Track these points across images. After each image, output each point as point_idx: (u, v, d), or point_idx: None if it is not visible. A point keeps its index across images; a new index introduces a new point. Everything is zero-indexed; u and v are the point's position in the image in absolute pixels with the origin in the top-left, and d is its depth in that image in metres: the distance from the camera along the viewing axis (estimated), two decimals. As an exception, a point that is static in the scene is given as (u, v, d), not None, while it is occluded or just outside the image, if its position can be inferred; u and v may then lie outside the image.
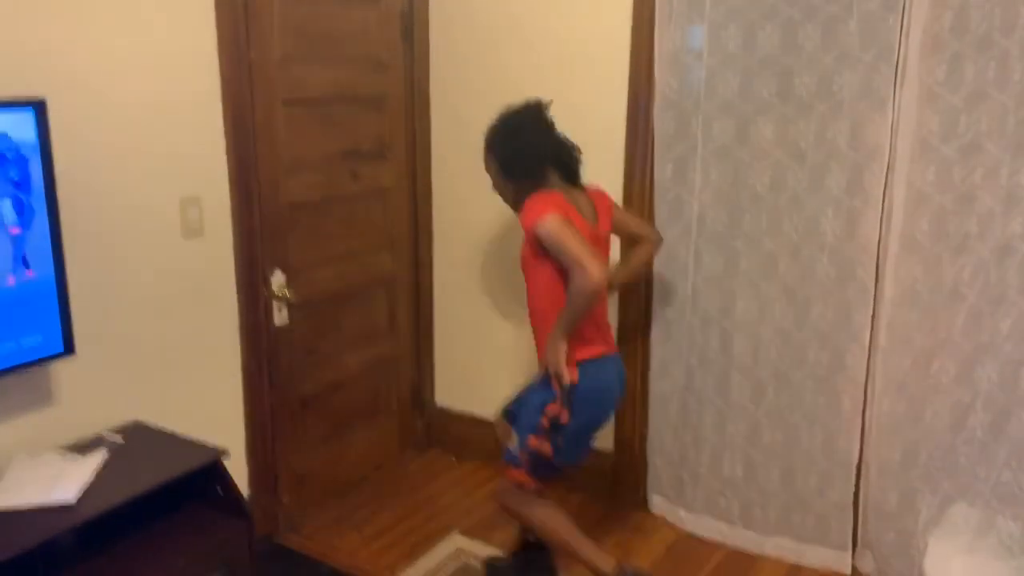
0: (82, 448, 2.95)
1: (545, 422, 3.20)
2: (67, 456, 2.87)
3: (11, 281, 2.67)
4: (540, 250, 3.14)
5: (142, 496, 2.71)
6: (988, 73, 3.04)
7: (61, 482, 2.68)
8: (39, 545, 2.45)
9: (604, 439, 4.20)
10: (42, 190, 2.69)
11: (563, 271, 3.10)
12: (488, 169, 3.35)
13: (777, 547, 3.86)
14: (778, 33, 3.40)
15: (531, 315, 3.34)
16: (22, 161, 2.63)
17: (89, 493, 2.67)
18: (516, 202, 3.29)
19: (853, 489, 3.68)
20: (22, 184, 2.64)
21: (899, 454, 3.48)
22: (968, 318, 3.25)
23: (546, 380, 3.22)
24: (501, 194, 3.39)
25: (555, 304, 3.17)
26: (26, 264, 2.70)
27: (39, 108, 2.65)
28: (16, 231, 2.66)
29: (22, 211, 2.66)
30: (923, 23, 3.11)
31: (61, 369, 3.00)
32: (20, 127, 2.62)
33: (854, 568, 3.75)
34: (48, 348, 2.80)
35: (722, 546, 3.95)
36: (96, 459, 2.85)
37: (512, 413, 3.53)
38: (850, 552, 3.76)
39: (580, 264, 3.00)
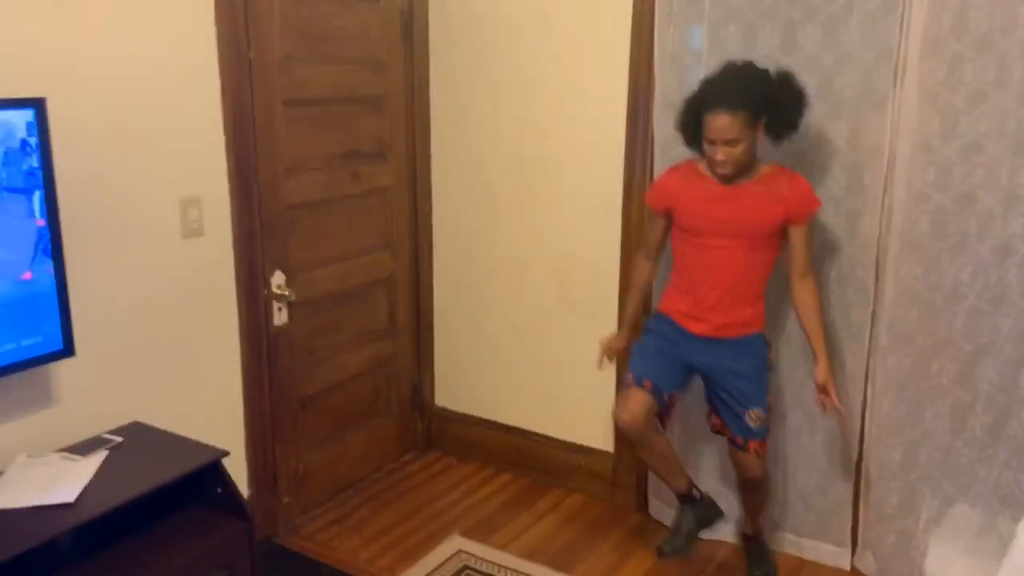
0: (82, 448, 2.95)
1: (770, 373, 3.51)
2: (67, 456, 2.87)
3: (28, 276, 2.69)
4: (782, 231, 3.29)
5: (142, 497, 2.71)
6: (988, 73, 3.04)
7: (61, 482, 2.68)
8: (39, 545, 2.44)
9: (604, 440, 4.21)
10: (41, 189, 2.68)
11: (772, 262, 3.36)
12: (742, 130, 3.10)
13: (777, 544, 3.87)
14: (778, 33, 3.39)
15: (735, 278, 3.35)
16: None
17: (89, 493, 2.66)
18: (748, 165, 3.25)
19: (853, 487, 3.68)
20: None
21: (899, 455, 3.48)
22: (968, 318, 3.25)
23: (760, 357, 3.44)
24: (734, 161, 3.16)
25: (763, 283, 3.40)
26: (46, 253, 2.73)
27: (39, 107, 2.64)
28: (42, 223, 2.69)
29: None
30: (923, 23, 3.11)
31: (61, 369, 2.99)
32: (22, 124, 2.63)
33: (854, 568, 3.76)
34: (47, 348, 2.79)
35: (723, 544, 3.95)
36: (96, 459, 2.85)
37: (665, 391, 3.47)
38: (850, 549, 3.77)
39: (812, 267, 3.35)
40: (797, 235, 3.28)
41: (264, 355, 3.81)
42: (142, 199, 3.22)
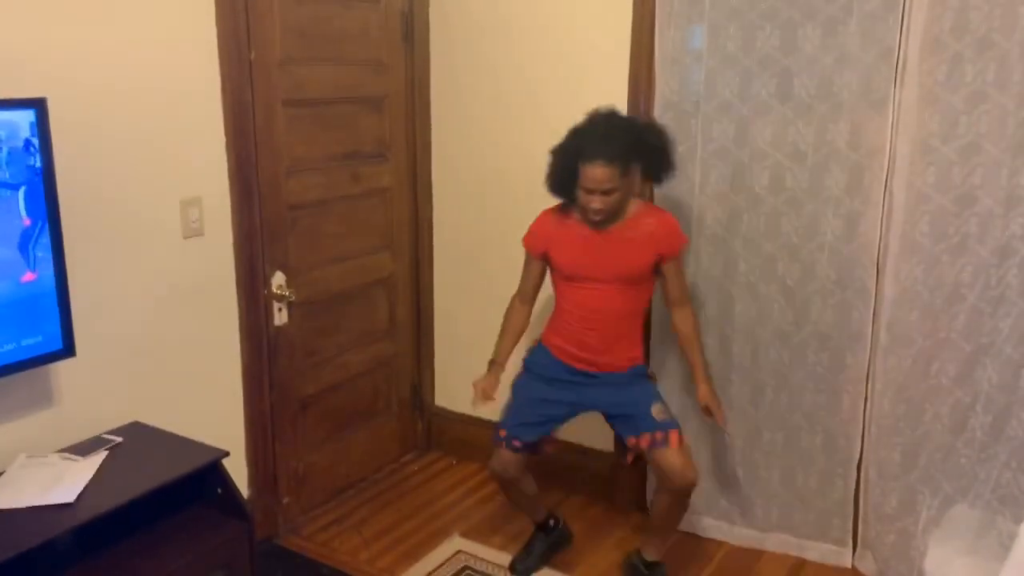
0: (82, 449, 2.95)
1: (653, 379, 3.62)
2: (67, 457, 2.87)
3: (29, 277, 2.70)
4: (654, 269, 3.42)
5: (142, 497, 2.71)
6: (988, 74, 3.04)
7: (61, 483, 2.68)
8: (39, 546, 2.44)
9: (604, 440, 4.20)
10: (42, 189, 2.68)
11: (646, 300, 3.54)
12: (619, 180, 3.20)
13: (778, 544, 3.87)
14: (778, 33, 3.39)
15: (613, 318, 3.46)
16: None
17: (89, 494, 2.66)
18: (617, 213, 3.36)
19: (854, 486, 3.68)
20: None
21: (899, 455, 3.48)
22: (968, 318, 3.25)
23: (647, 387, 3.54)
24: (609, 208, 3.27)
25: (641, 313, 3.55)
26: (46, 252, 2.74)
27: (40, 107, 2.64)
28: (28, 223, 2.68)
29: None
30: (923, 24, 3.11)
31: (61, 370, 3.00)
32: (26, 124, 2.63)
33: (854, 568, 3.76)
34: (48, 348, 2.79)
35: (723, 544, 3.95)
36: (96, 460, 2.86)
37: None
38: (850, 548, 3.77)
39: (688, 296, 3.51)
40: (670, 270, 3.46)
41: (264, 355, 3.81)
42: (142, 199, 3.22)
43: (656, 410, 3.42)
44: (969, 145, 3.12)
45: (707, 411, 3.50)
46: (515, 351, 3.68)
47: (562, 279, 3.51)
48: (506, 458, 3.54)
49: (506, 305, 3.70)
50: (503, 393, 3.61)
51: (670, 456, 3.35)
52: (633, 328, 3.52)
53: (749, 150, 3.56)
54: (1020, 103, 3.01)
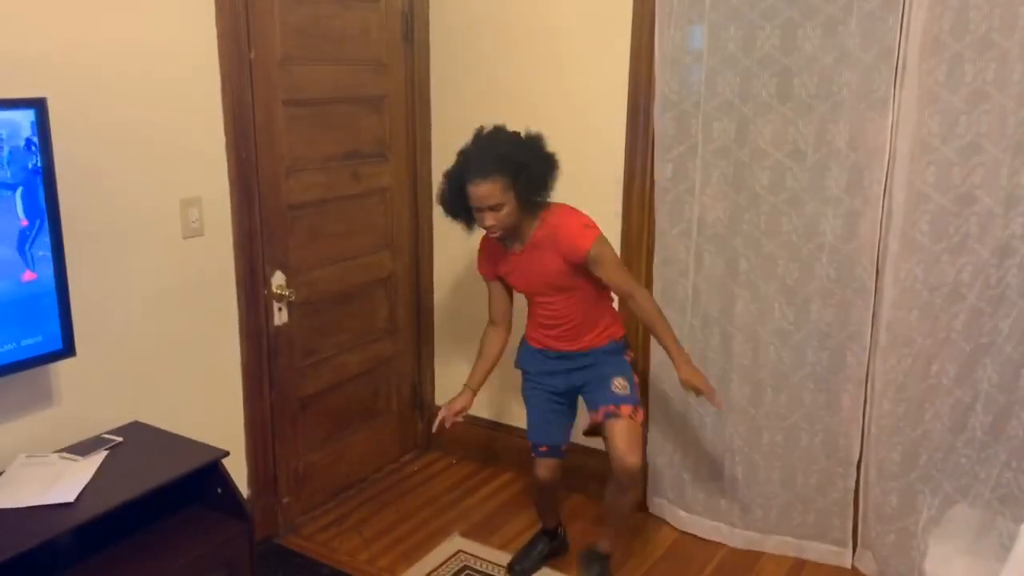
0: (82, 448, 2.94)
1: (630, 361, 3.54)
2: (67, 456, 2.87)
3: (29, 276, 2.70)
4: (579, 270, 3.32)
5: (141, 497, 2.71)
6: (988, 74, 3.04)
7: (61, 482, 2.68)
8: (39, 545, 2.44)
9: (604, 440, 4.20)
10: (42, 189, 2.68)
11: (597, 288, 3.41)
12: (503, 194, 3.17)
13: (777, 544, 3.87)
14: (778, 33, 3.39)
15: (575, 320, 3.44)
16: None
17: (88, 493, 2.66)
18: (518, 226, 3.32)
19: (853, 486, 3.68)
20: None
21: (899, 455, 3.48)
22: (968, 318, 3.25)
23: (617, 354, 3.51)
24: (503, 224, 3.24)
25: (602, 300, 3.48)
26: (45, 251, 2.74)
27: (40, 107, 2.64)
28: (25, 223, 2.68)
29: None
30: (923, 24, 3.11)
31: (61, 370, 3.00)
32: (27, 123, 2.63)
33: (854, 568, 3.76)
34: (48, 348, 2.79)
35: (723, 545, 3.95)
36: (96, 459, 2.86)
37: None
38: (850, 549, 3.77)
39: (635, 284, 3.45)
40: (597, 271, 3.33)
41: (264, 355, 3.81)
42: (142, 199, 3.22)
43: (617, 383, 3.42)
44: (969, 145, 3.12)
45: (692, 388, 3.36)
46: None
47: (523, 294, 3.56)
48: (543, 468, 3.59)
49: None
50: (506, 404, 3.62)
51: (616, 431, 3.37)
52: (600, 315, 3.48)
53: (750, 149, 3.56)
54: (1020, 103, 3.01)
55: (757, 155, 3.55)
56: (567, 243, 3.28)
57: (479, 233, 3.39)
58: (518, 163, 3.19)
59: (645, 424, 3.57)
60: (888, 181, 3.35)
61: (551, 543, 3.87)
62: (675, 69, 3.66)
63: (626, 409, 3.39)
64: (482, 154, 3.22)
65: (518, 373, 3.66)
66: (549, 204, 3.36)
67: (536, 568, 3.79)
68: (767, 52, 3.43)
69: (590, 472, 4.07)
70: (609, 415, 3.39)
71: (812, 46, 3.34)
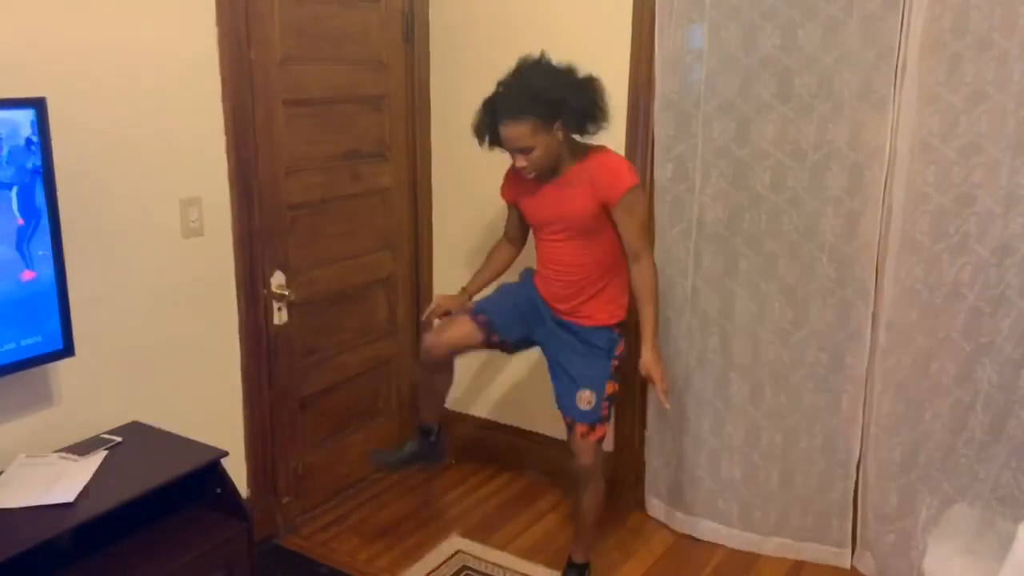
0: (81, 448, 2.95)
1: (616, 363, 3.41)
2: (66, 456, 2.87)
3: (28, 276, 2.70)
4: (605, 216, 3.23)
5: (141, 497, 2.71)
6: (988, 73, 3.04)
7: (60, 482, 2.69)
8: (38, 545, 2.44)
9: (604, 440, 4.20)
10: (41, 189, 2.68)
11: (613, 250, 3.32)
12: (533, 137, 3.07)
13: (776, 546, 3.86)
14: (778, 33, 3.39)
15: (575, 269, 3.35)
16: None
17: (88, 493, 2.67)
18: (555, 165, 3.22)
19: (853, 488, 3.69)
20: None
21: (899, 455, 3.48)
22: (968, 318, 3.25)
23: (603, 348, 3.39)
24: (536, 166, 3.16)
25: (615, 266, 3.36)
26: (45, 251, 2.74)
27: (39, 107, 2.64)
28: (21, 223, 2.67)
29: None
30: (923, 23, 3.11)
31: (61, 370, 3.00)
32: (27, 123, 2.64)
33: (853, 568, 3.76)
34: (47, 348, 2.80)
35: (722, 547, 3.95)
36: (95, 459, 2.86)
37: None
38: (850, 549, 3.77)
39: (649, 250, 3.31)
40: (618, 218, 3.24)
41: (264, 355, 3.81)
42: (142, 199, 3.22)
43: (583, 397, 3.34)
44: (969, 144, 3.13)
45: (648, 378, 3.33)
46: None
47: (534, 230, 3.48)
48: (458, 329, 3.49)
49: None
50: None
51: (570, 440, 3.41)
52: (593, 285, 3.36)
53: (750, 149, 3.56)
54: (1020, 102, 3.01)
55: (757, 155, 3.55)
56: (607, 178, 3.19)
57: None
58: (552, 101, 3.08)
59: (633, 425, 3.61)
60: (888, 181, 3.35)
61: (423, 444, 3.82)
62: (675, 69, 3.66)
63: (581, 428, 3.35)
64: (513, 93, 3.13)
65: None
66: (595, 147, 3.28)
67: (398, 467, 3.87)
68: (768, 52, 3.43)
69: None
70: (568, 427, 3.42)
71: (812, 46, 3.34)
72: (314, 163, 3.93)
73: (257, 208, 3.66)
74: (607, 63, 3.85)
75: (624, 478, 4.24)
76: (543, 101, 3.06)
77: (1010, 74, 3.00)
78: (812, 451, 3.71)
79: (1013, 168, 3.06)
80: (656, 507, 4.18)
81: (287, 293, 3.81)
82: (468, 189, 4.41)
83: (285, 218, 3.81)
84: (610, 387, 3.40)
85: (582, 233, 3.28)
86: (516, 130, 3.08)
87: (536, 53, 3.20)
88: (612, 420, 3.57)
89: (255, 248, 3.67)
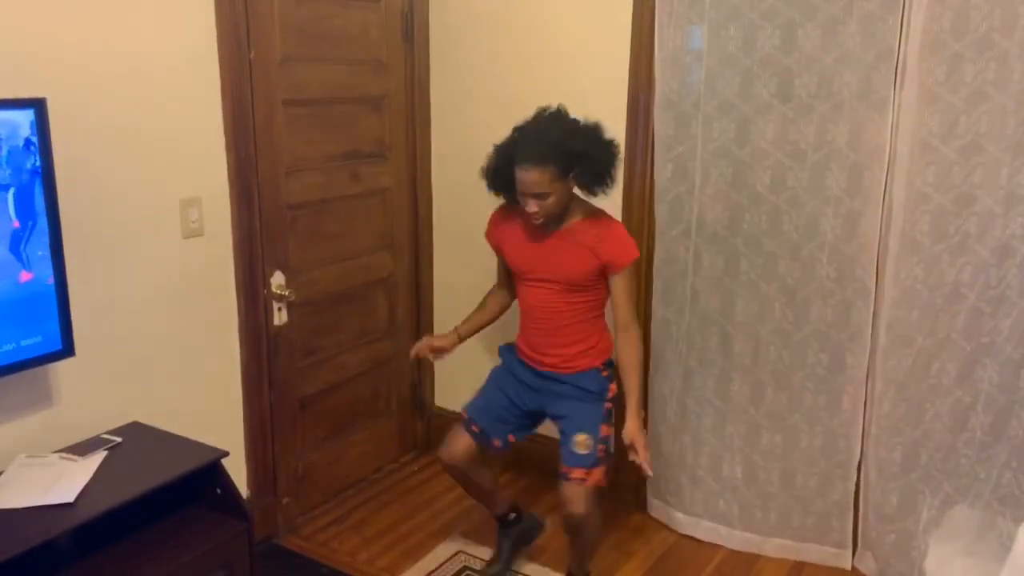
0: (81, 449, 2.95)
1: (609, 405, 3.40)
2: (66, 457, 2.87)
3: (27, 276, 2.70)
4: (599, 278, 3.31)
5: (141, 497, 2.71)
6: (988, 74, 3.04)
7: (60, 483, 2.69)
8: (38, 545, 2.44)
9: (604, 440, 4.21)
10: (40, 189, 2.68)
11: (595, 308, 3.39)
12: (551, 184, 3.10)
13: (777, 547, 3.86)
14: (778, 33, 3.39)
15: (558, 320, 3.37)
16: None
17: (88, 494, 2.67)
18: (559, 216, 3.26)
19: (854, 488, 3.68)
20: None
21: (899, 455, 3.48)
22: (968, 318, 3.25)
23: (593, 391, 3.38)
24: (547, 212, 3.18)
25: (596, 313, 3.40)
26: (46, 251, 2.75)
27: (39, 107, 2.64)
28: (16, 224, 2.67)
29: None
30: (923, 23, 3.11)
31: (61, 370, 3.00)
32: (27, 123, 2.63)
33: (854, 568, 3.76)
34: (47, 348, 2.80)
35: (722, 547, 3.95)
36: (95, 460, 2.86)
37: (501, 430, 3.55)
38: (851, 550, 3.77)
39: (637, 320, 3.37)
40: (614, 285, 3.30)
41: (264, 355, 3.81)
42: (142, 199, 3.22)
43: (578, 441, 3.30)
44: (969, 145, 3.12)
45: (631, 448, 3.23)
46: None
47: (514, 275, 3.49)
48: (459, 443, 3.51)
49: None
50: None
51: (563, 488, 3.32)
52: (575, 334, 3.38)
53: (750, 149, 3.56)
54: (1020, 103, 3.01)
55: (757, 155, 3.55)
56: (617, 247, 3.25)
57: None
58: (573, 154, 3.12)
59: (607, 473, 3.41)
60: (888, 181, 3.34)
61: (511, 531, 3.81)
62: (675, 69, 3.66)
63: (577, 473, 3.28)
64: (536, 139, 3.14)
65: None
66: (603, 212, 3.33)
67: (508, 569, 3.77)
68: (768, 52, 3.43)
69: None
70: (561, 475, 3.33)
71: (812, 46, 3.34)
72: (314, 163, 3.93)
73: (257, 208, 3.66)
74: (607, 63, 3.86)
75: (624, 478, 4.22)
76: (566, 151, 3.11)
77: (1010, 74, 3.00)
78: (812, 451, 3.71)
79: (1013, 168, 3.06)
80: (657, 507, 4.18)
81: (287, 293, 3.81)
82: (468, 189, 4.39)
83: (285, 218, 3.81)
84: (605, 430, 3.36)
85: (572, 287, 3.32)
86: (536, 175, 3.09)
87: (555, 105, 3.25)
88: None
89: (255, 248, 3.67)
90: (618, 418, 3.36)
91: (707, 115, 3.61)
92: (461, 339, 3.64)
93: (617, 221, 3.39)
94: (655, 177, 3.82)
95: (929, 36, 3.11)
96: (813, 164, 3.45)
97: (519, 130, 3.26)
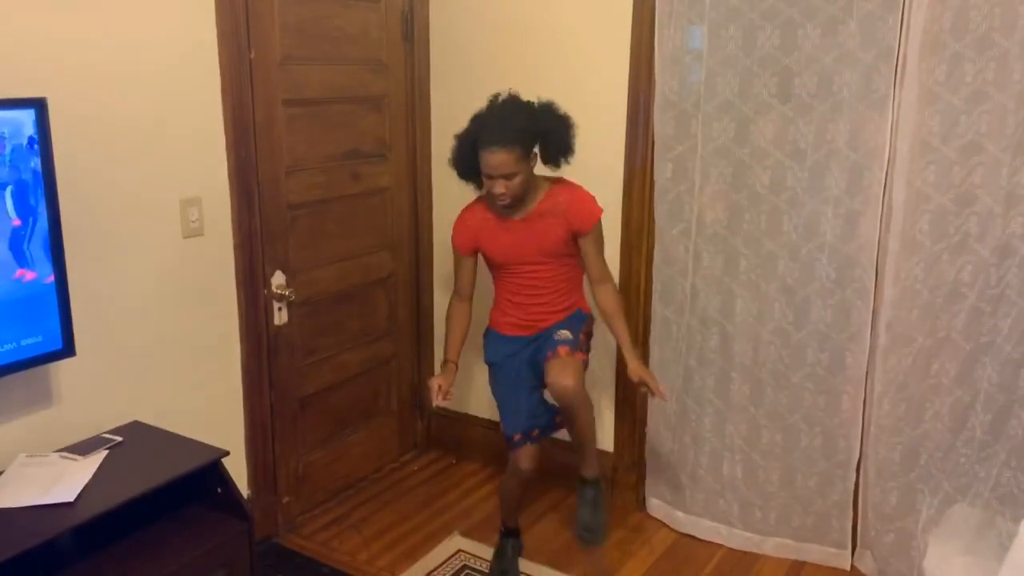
0: (82, 448, 2.95)
1: (584, 333, 3.57)
2: (67, 456, 2.87)
3: (28, 276, 2.70)
4: (574, 242, 3.47)
5: (141, 496, 2.71)
6: (988, 73, 3.03)
7: (61, 482, 2.69)
8: (39, 545, 2.44)
9: (603, 439, 4.20)
10: (42, 189, 2.68)
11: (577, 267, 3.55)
12: (517, 164, 3.25)
13: (776, 547, 3.86)
14: (778, 33, 3.39)
15: (553, 288, 3.53)
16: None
17: (89, 493, 2.66)
18: (524, 195, 3.39)
19: (853, 488, 3.68)
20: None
21: (899, 454, 3.48)
22: (968, 318, 3.25)
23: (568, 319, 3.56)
24: (514, 192, 3.32)
25: (576, 278, 3.59)
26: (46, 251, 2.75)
27: (40, 107, 2.64)
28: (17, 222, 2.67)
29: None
30: (923, 23, 3.11)
31: (61, 370, 3.00)
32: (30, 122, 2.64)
33: (854, 568, 3.76)
34: (47, 348, 2.80)
35: (722, 546, 3.95)
36: (96, 459, 2.86)
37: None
38: (849, 550, 3.76)
39: (610, 273, 3.54)
40: (584, 245, 3.48)
41: (264, 355, 3.81)
42: (142, 199, 3.22)
43: (559, 334, 3.47)
44: (969, 144, 3.12)
45: (641, 383, 3.45)
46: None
47: (496, 268, 3.60)
48: (524, 457, 3.51)
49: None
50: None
51: (549, 366, 3.39)
52: (568, 296, 3.58)
53: (750, 149, 3.56)
54: (1020, 102, 3.01)
55: (757, 155, 3.55)
56: (580, 209, 3.42)
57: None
58: (536, 132, 3.33)
59: (586, 363, 3.55)
60: (888, 181, 3.34)
61: (517, 542, 3.84)
62: (675, 69, 3.66)
63: (563, 349, 3.41)
64: (499, 123, 3.29)
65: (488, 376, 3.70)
66: (555, 178, 3.49)
67: (517, 570, 3.79)
68: (767, 52, 3.43)
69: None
70: (548, 358, 3.42)
71: (812, 46, 3.34)
72: (314, 163, 3.93)
73: (257, 208, 3.66)
74: (607, 63, 3.86)
75: (624, 478, 4.24)
76: (529, 131, 3.31)
77: (1010, 74, 3.00)
78: (812, 451, 3.71)
79: (1013, 168, 3.06)
80: (657, 507, 4.18)
81: (287, 293, 3.81)
82: (468, 189, 4.40)
83: (285, 218, 3.81)
84: (583, 340, 3.56)
85: (558, 256, 3.49)
86: (502, 156, 3.24)
87: (506, 91, 3.42)
88: (605, 416, 3.65)
89: (255, 248, 3.67)
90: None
91: (707, 115, 3.61)
92: (456, 366, 3.67)
93: (578, 185, 3.51)
94: (655, 177, 3.82)
95: (929, 36, 3.11)
96: (813, 164, 3.45)
97: (478, 118, 3.40)
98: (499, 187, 3.29)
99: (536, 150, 3.37)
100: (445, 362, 3.65)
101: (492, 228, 3.50)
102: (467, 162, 3.41)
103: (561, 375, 3.33)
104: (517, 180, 3.29)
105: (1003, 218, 3.11)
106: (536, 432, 3.51)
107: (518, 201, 3.39)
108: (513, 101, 3.38)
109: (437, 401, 3.52)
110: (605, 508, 3.71)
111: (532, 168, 3.36)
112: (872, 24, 3.21)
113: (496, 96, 3.40)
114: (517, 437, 3.50)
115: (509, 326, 3.60)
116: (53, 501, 2.59)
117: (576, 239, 3.45)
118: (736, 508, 3.91)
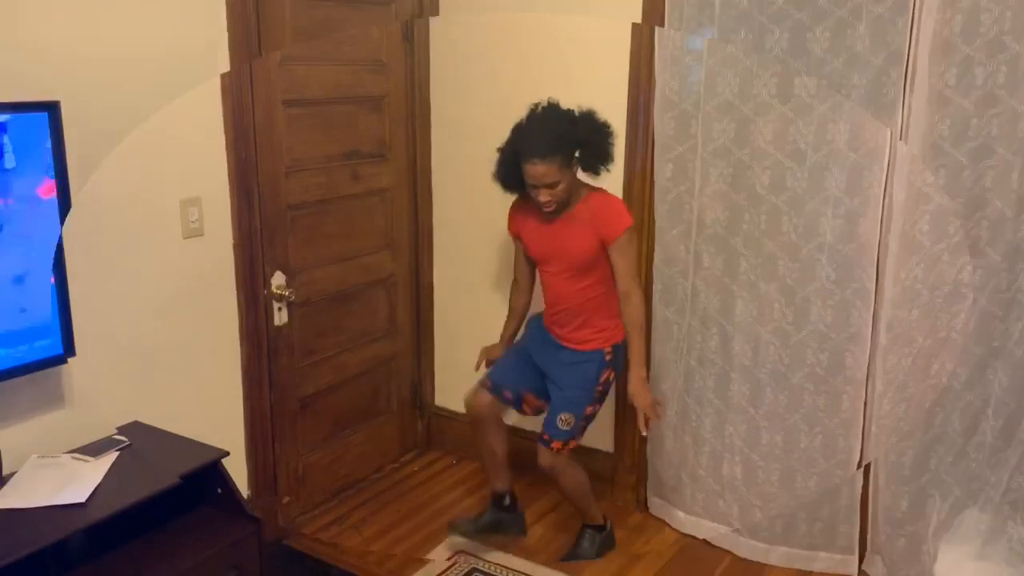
0: (92, 449, 2.94)
1: (600, 388, 3.60)
2: (78, 457, 2.88)
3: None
4: (602, 254, 3.49)
5: (151, 498, 2.72)
6: (999, 77, 3.02)
7: (72, 483, 2.69)
8: (51, 545, 2.46)
9: (604, 440, 4.21)
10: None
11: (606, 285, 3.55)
12: (559, 172, 3.32)
13: (782, 556, 3.86)
14: (787, 36, 3.38)
15: (573, 302, 3.57)
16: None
17: (100, 494, 2.67)
18: (568, 199, 3.46)
19: (860, 492, 3.68)
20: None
21: (910, 459, 3.47)
22: (978, 322, 3.25)
23: (590, 374, 3.59)
24: (558, 199, 3.39)
25: (607, 294, 3.55)
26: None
27: (53, 110, 2.65)
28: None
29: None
30: (933, 26, 3.10)
31: (68, 371, 2.99)
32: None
33: (862, 573, 3.75)
34: (48, 350, 2.80)
35: (726, 553, 3.94)
36: (107, 460, 2.86)
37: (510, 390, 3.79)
38: (857, 555, 3.75)
39: (639, 287, 3.57)
40: (613, 255, 3.48)
41: (264, 355, 3.80)
42: (142, 199, 3.21)
43: (563, 419, 3.56)
44: (980, 148, 3.11)
45: (637, 406, 3.52)
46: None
47: (534, 262, 3.70)
48: (479, 397, 3.77)
49: (505, 306, 3.80)
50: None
51: (540, 448, 3.63)
52: (586, 313, 3.58)
53: (749, 149, 3.56)
54: (1031, 105, 3.01)
55: (757, 155, 3.55)
56: (609, 217, 3.44)
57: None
58: (575, 139, 3.37)
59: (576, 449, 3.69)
60: (888, 181, 3.35)
61: (498, 512, 3.93)
62: (675, 69, 3.66)
63: (555, 444, 3.58)
64: (539, 134, 3.35)
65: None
66: (594, 187, 3.53)
67: (477, 535, 3.92)
68: (776, 55, 3.41)
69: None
70: (541, 439, 3.63)
71: (821, 49, 3.33)
72: (314, 163, 3.92)
73: (257, 208, 3.65)
74: (607, 63, 3.86)
75: (625, 478, 4.24)
76: (569, 140, 3.35)
77: (1021, 77, 2.98)
78: (812, 451, 3.71)
79: (1024, 172, 3.07)
80: (657, 507, 4.18)
81: (287, 293, 3.80)
82: (468, 189, 4.40)
83: (285, 218, 3.80)
84: (589, 409, 3.61)
85: (580, 268, 3.52)
86: (544, 168, 3.30)
87: (546, 100, 3.45)
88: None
89: (255, 248, 3.66)
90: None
91: (707, 115, 3.61)
92: (508, 345, 3.92)
93: (613, 195, 3.59)
94: (655, 177, 3.83)
95: (939, 39, 3.10)
96: (813, 164, 3.45)
97: (518, 128, 3.46)
98: (543, 196, 3.37)
99: (577, 159, 3.42)
100: (501, 339, 3.94)
101: (533, 219, 3.57)
102: (511, 174, 3.48)
103: (541, 459, 3.63)
104: (560, 187, 3.35)
105: (1014, 222, 3.10)
106: (508, 394, 3.76)
107: (563, 207, 3.45)
108: (553, 110, 3.41)
109: (480, 364, 3.92)
110: (599, 551, 3.91)
111: (575, 173, 3.42)
112: (882, 27, 3.20)
113: (536, 105, 3.43)
114: (489, 384, 3.73)
115: (545, 317, 3.72)
116: (65, 502, 2.60)
117: (606, 251, 3.46)
118: (736, 509, 3.91)
